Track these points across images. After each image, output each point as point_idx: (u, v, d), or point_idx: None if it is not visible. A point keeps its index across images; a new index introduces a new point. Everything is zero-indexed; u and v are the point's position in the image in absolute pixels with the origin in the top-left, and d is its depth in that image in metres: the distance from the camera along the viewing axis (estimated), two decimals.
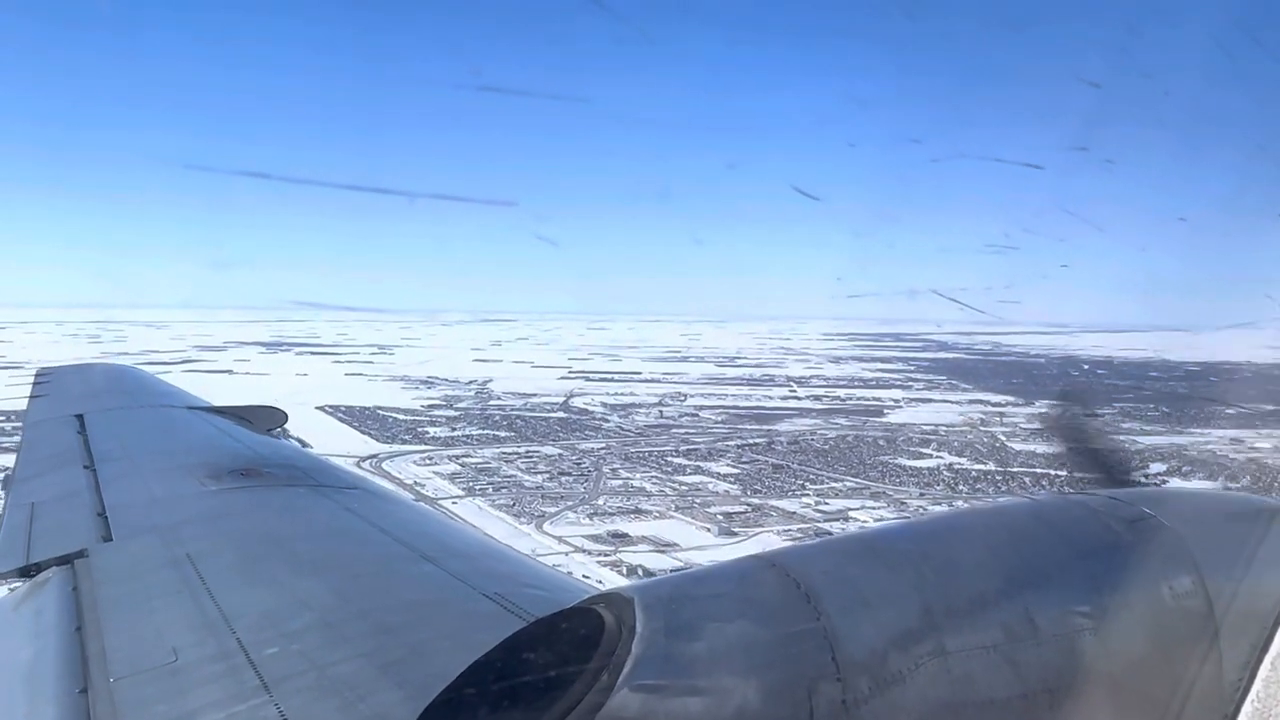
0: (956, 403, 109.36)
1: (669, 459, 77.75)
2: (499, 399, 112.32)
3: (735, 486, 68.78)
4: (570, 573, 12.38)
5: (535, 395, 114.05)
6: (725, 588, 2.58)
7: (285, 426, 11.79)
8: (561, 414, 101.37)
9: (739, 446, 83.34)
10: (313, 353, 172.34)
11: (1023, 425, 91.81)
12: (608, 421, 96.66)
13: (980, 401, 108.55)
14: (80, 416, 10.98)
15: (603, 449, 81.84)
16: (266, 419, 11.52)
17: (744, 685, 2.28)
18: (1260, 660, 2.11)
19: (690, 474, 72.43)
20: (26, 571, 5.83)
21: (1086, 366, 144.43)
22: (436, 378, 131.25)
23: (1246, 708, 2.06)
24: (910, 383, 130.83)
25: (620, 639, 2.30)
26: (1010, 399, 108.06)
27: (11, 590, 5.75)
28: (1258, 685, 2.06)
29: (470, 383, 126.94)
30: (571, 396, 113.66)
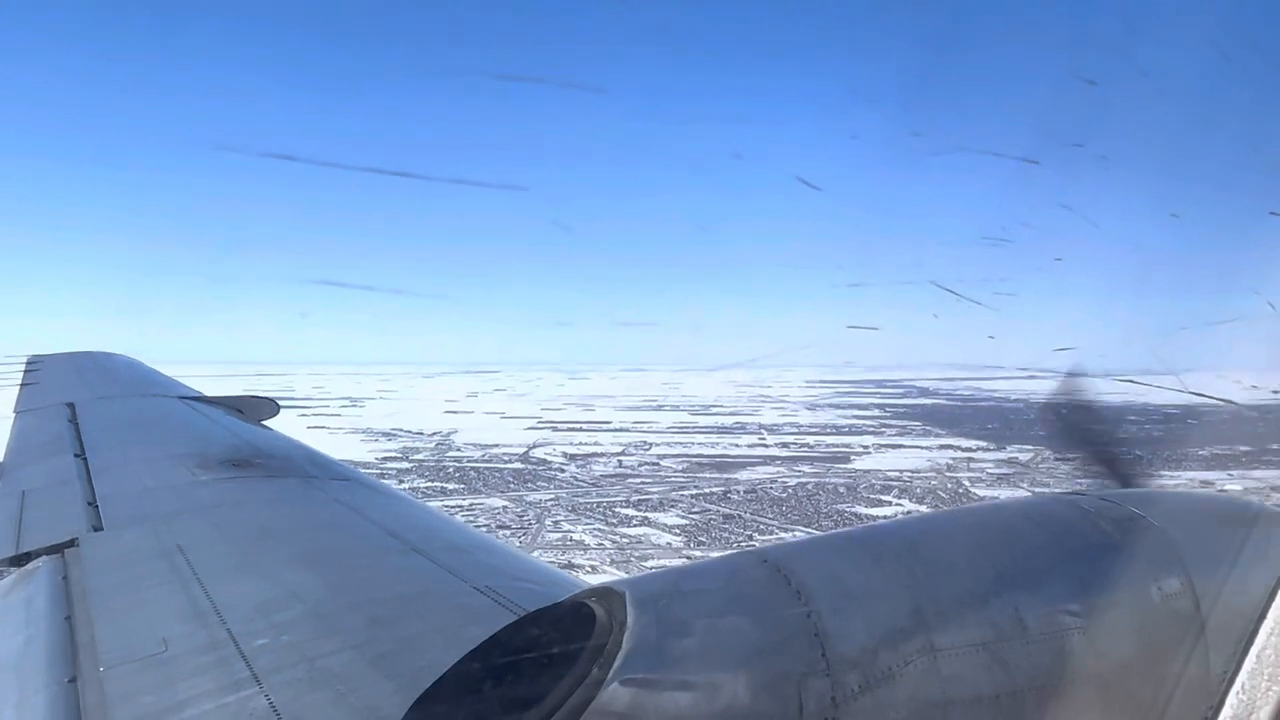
0: (926, 448, 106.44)
1: (617, 510, 74.71)
2: (458, 450, 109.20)
3: (679, 538, 65.70)
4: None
5: (496, 446, 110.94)
6: (716, 583, 2.55)
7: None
8: (519, 465, 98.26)
9: (693, 496, 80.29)
10: (281, 406, 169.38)
11: (990, 470, 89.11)
12: (563, 472, 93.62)
13: (951, 447, 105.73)
14: (71, 405, 10.77)
15: (551, 500, 78.74)
16: (258, 410, 11.47)
17: (734, 680, 2.29)
18: (1245, 654, 2.07)
19: (636, 525, 69.39)
20: (16, 560, 5.74)
21: (1064, 411, 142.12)
22: (400, 430, 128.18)
23: (1231, 699, 2.04)
24: (883, 429, 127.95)
25: (611, 633, 2.32)
26: (982, 444, 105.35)
27: (1, 578, 5.63)
28: (1242, 678, 2.05)
29: (434, 434, 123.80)
30: (534, 447, 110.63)
